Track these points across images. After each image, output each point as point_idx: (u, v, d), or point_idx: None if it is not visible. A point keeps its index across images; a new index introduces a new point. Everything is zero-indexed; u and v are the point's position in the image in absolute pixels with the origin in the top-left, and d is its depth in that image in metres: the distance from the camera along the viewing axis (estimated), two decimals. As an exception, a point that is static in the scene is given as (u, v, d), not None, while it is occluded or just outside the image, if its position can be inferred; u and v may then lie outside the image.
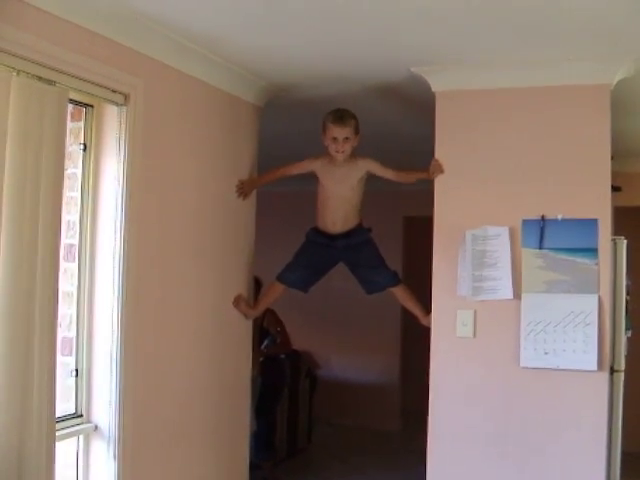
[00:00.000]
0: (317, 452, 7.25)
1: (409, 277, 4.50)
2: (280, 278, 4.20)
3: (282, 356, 6.56)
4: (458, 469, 3.77)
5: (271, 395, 6.21)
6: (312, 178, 4.08)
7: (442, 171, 3.80)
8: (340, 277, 4.38)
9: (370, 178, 4.06)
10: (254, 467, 4.52)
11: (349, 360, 8.17)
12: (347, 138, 3.84)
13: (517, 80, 3.71)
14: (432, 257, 3.85)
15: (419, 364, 4.95)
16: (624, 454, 4.04)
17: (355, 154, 3.96)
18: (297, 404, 7.04)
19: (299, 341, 7.30)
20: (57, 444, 2.88)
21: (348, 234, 4.03)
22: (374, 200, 4.28)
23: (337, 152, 3.87)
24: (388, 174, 4.00)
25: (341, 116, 3.84)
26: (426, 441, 3.84)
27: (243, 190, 4.13)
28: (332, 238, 4.04)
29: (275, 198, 5.53)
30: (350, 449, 7.30)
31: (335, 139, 3.84)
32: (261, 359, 6.06)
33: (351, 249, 4.05)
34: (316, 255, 4.12)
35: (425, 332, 3.95)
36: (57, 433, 2.91)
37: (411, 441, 7.09)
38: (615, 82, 3.59)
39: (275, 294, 4.29)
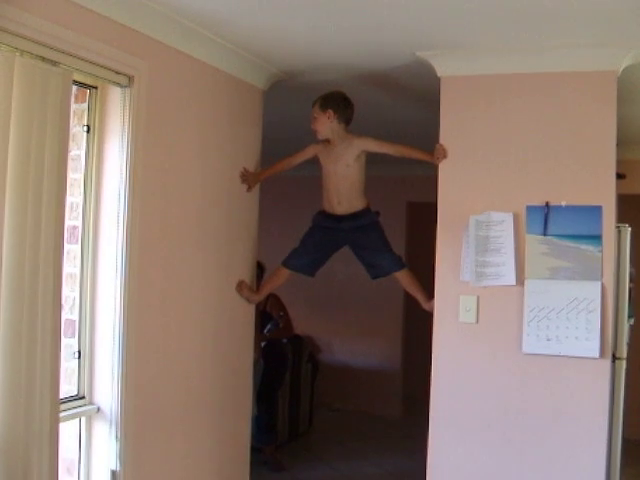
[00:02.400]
0: (318, 436, 7.28)
1: (412, 263, 4.48)
2: (286, 264, 4.20)
3: (284, 340, 6.58)
4: (459, 455, 3.77)
5: (273, 379, 6.23)
6: (315, 164, 4.09)
7: (446, 156, 3.79)
8: (343, 262, 4.37)
9: (374, 162, 4.05)
10: (255, 451, 4.54)
11: (351, 345, 8.19)
12: (314, 117, 3.95)
13: (523, 66, 3.69)
14: (435, 243, 3.85)
15: (421, 350, 4.98)
16: (625, 441, 4.04)
17: (352, 133, 3.98)
18: (299, 388, 7.06)
19: (301, 325, 7.33)
20: (60, 425, 2.89)
21: (355, 216, 4.03)
22: (378, 186, 4.28)
23: (313, 130, 3.99)
24: (385, 148, 3.99)
25: (315, 99, 3.99)
26: (427, 427, 3.84)
27: (247, 181, 4.13)
28: (338, 220, 4.04)
29: (279, 183, 5.51)
30: (351, 434, 7.34)
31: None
32: (263, 344, 6.08)
33: (357, 231, 4.05)
34: (323, 239, 4.13)
35: (427, 318, 3.95)
36: (60, 414, 2.91)
37: (412, 427, 7.13)
38: (622, 69, 3.57)
39: (280, 279, 4.29)
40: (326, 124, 3.94)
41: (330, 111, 3.92)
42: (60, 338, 2.86)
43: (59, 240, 2.82)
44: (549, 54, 3.62)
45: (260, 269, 4.92)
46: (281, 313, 6.27)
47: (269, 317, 6.19)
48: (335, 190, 4.01)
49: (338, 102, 3.95)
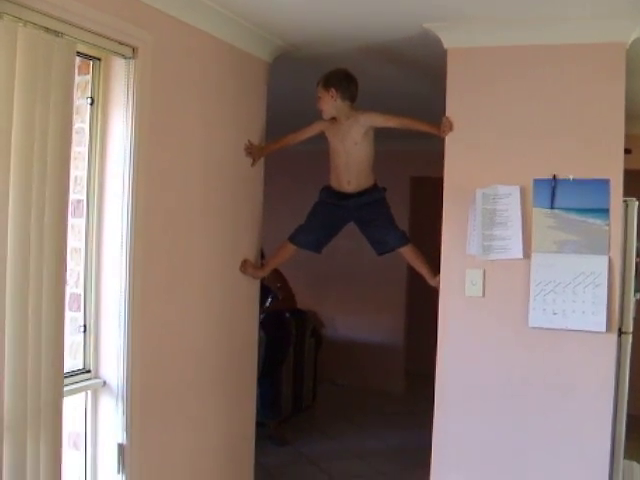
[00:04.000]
0: (321, 411, 7.32)
1: (415, 238, 4.46)
2: (293, 240, 4.18)
3: (287, 315, 6.57)
4: (464, 428, 3.77)
5: (276, 354, 6.22)
6: (320, 138, 4.06)
7: (452, 129, 3.76)
8: (347, 237, 4.35)
9: (377, 137, 4.01)
10: (259, 425, 4.54)
11: (354, 320, 8.20)
12: (318, 97, 3.90)
13: (530, 38, 3.65)
14: (439, 218, 3.83)
15: (424, 325, 4.98)
16: (629, 416, 4.04)
17: (357, 109, 3.94)
18: (302, 363, 7.07)
19: (304, 300, 7.32)
20: (65, 399, 2.89)
21: (362, 193, 4.01)
22: (381, 160, 4.24)
23: (318, 110, 3.95)
24: (391, 122, 3.95)
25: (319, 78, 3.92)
26: (429, 402, 3.85)
27: (251, 154, 4.10)
28: (346, 198, 4.02)
29: (283, 158, 5.48)
30: (354, 408, 7.38)
31: None
32: (262, 316, 6.03)
33: (364, 207, 4.03)
34: (329, 215, 4.11)
35: (431, 293, 3.95)
36: (65, 388, 2.91)
37: (414, 402, 7.18)
38: (631, 41, 3.53)
39: (286, 255, 4.27)
40: (330, 103, 3.89)
41: (333, 90, 3.86)
42: (64, 312, 2.84)
43: (63, 214, 2.80)
44: (557, 26, 3.58)
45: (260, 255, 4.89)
46: (278, 284, 6.19)
47: (267, 290, 6.14)
48: (345, 169, 3.98)
49: (340, 79, 3.89)
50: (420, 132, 3.93)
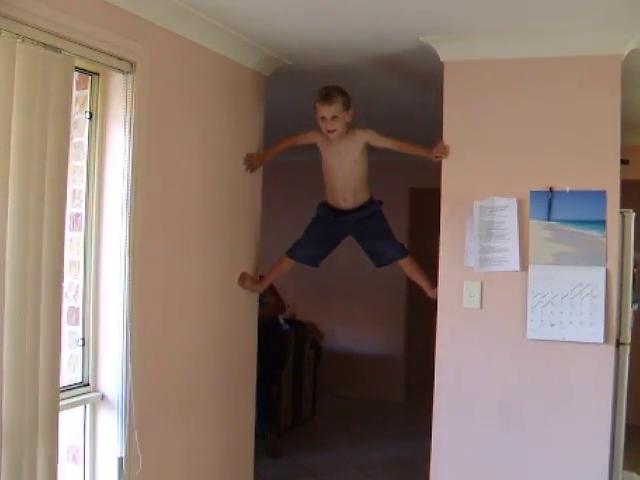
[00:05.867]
0: (321, 422, 7.30)
1: (414, 249, 4.48)
2: (291, 254, 4.19)
3: (285, 325, 6.52)
4: (463, 439, 3.77)
5: (273, 364, 6.12)
6: (316, 149, 4.05)
7: (446, 155, 3.76)
8: (346, 248, 4.37)
9: (375, 149, 4.03)
10: (257, 437, 4.53)
11: (354, 331, 8.20)
12: (335, 116, 3.78)
13: (526, 51, 3.67)
14: (438, 229, 3.84)
15: (423, 336, 4.98)
16: (628, 427, 4.05)
17: (353, 125, 3.90)
18: (302, 375, 7.06)
19: (304, 312, 7.33)
20: (63, 413, 2.90)
21: (359, 208, 4.01)
22: (380, 171, 4.26)
23: (328, 131, 3.83)
24: (387, 143, 3.93)
25: (326, 94, 3.78)
26: (429, 413, 3.85)
27: (251, 164, 4.11)
28: (343, 213, 4.03)
29: (281, 169, 5.49)
30: (354, 420, 7.36)
31: (323, 118, 3.80)
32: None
33: (361, 221, 4.04)
34: (327, 230, 4.11)
35: (430, 304, 3.95)
36: (63, 402, 2.92)
37: (414, 412, 7.17)
38: (626, 53, 3.55)
39: (284, 269, 4.28)
40: (345, 123, 3.84)
41: (351, 110, 3.82)
42: (60, 326, 2.85)
43: (61, 227, 2.81)
44: (552, 39, 3.60)
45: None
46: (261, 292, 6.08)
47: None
48: (342, 187, 3.97)
49: (349, 98, 3.82)
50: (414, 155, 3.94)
